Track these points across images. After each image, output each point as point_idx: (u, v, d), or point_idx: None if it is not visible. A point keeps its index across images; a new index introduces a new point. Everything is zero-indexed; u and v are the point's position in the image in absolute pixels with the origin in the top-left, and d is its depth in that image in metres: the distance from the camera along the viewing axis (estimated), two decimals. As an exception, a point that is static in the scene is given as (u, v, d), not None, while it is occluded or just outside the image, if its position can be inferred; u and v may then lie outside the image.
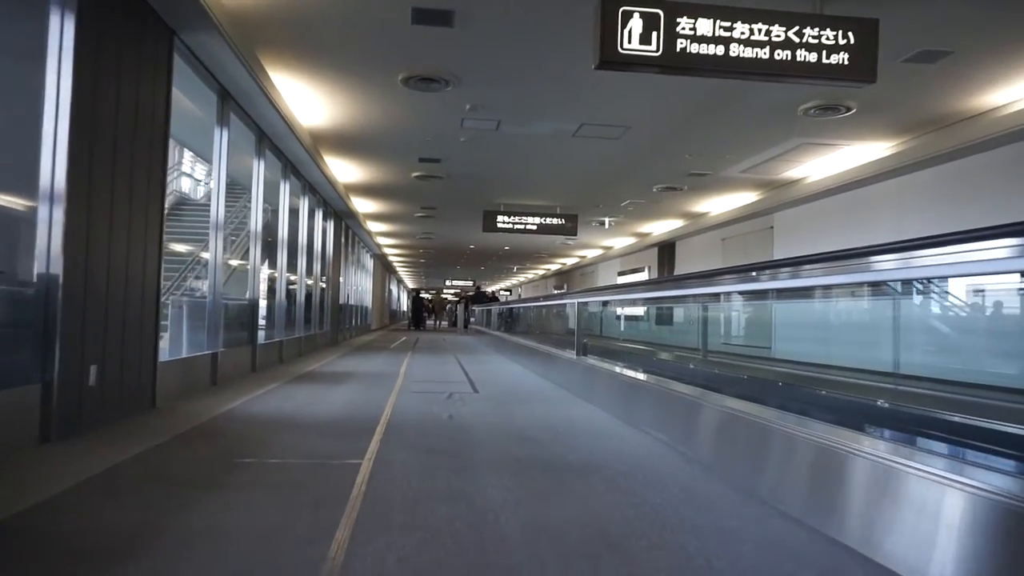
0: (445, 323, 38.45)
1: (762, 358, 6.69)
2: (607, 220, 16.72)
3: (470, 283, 43.04)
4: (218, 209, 6.76)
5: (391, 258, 29.28)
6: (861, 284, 3.68)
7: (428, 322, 36.33)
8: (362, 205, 15.30)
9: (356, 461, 3.64)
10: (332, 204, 13.75)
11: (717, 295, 5.74)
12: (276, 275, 9.72)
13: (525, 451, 4.07)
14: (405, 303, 49.55)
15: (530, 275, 40.51)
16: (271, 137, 8.42)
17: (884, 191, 9.87)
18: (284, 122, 7.72)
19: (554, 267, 33.19)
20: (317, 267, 12.79)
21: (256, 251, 8.15)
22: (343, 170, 11.57)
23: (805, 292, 4.88)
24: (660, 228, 17.94)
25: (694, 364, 6.56)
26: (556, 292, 11.22)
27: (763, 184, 11.96)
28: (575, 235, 15.16)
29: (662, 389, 4.82)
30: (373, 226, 18.93)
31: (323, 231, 14.10)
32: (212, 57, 5.89)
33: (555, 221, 14.85)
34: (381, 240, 22.51)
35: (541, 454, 4.01)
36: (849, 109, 7.63)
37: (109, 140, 4.40)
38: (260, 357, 8.23)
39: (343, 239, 16.80)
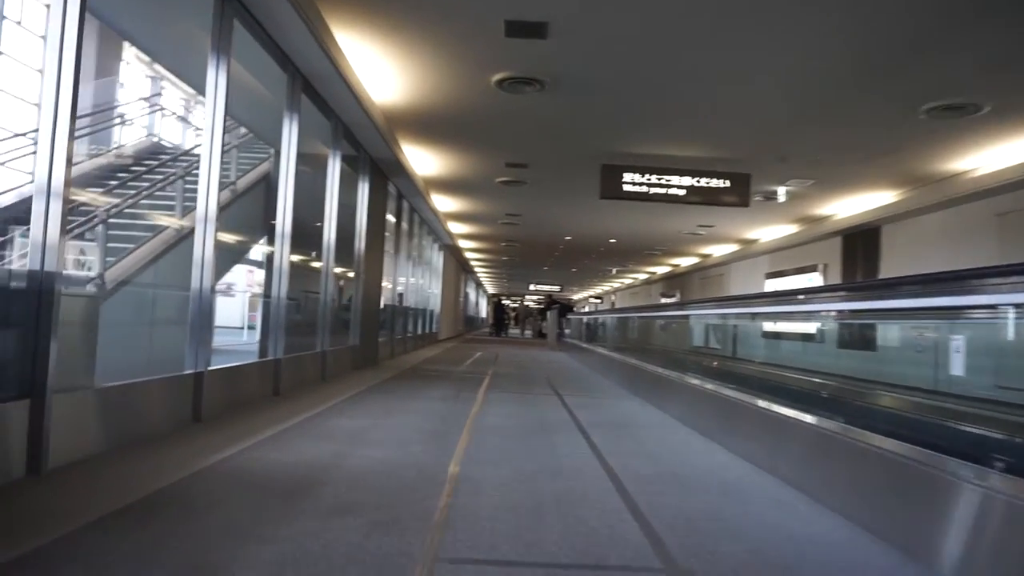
0: (529, 333, 33.91)
1: None
2: (782, 189, 11.03)
3: (557, 288, 38.49)
4: None
5: (467, 253, 24.34)
6: None
7: (512, 330, 34.36)
8: (418, 160, 10.28)
9: None
10: (365, 144, 8.75)
11: None
12: (202, 251, 4.71)
13: None
14: (485, 310, 46.18)
15: (627, 280, 34.76)
16: None
17: None
18: None
19: (662, 270, 27.35)
20: (330, 251, 7.83)
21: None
22: (375, 69, 6.54)
23: None
24: (852, 207, 12.07)
25: None
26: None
27: None
28: (745, 205, 9.61)
29: None
30: (439, 202, 13.95)
31: (354, 196, 9.15)
32: None
33: (714, 183, 9.41)
34: (453, 227, 17.53)
35: None
36: None
37: None
38: (109, 421, 3.21)
39: (392, 213, 11.87)
